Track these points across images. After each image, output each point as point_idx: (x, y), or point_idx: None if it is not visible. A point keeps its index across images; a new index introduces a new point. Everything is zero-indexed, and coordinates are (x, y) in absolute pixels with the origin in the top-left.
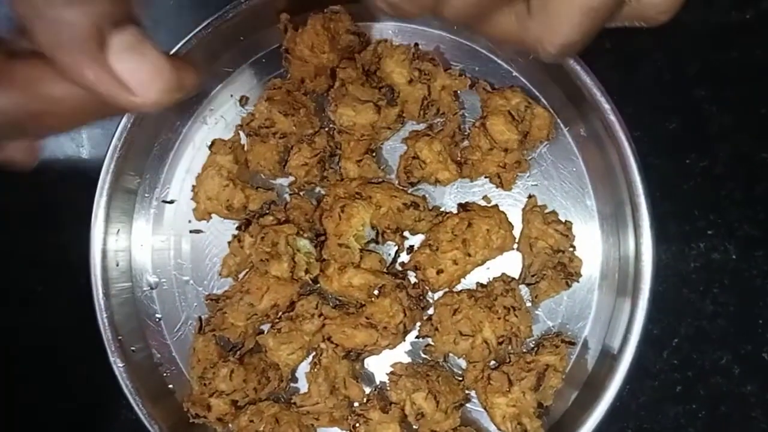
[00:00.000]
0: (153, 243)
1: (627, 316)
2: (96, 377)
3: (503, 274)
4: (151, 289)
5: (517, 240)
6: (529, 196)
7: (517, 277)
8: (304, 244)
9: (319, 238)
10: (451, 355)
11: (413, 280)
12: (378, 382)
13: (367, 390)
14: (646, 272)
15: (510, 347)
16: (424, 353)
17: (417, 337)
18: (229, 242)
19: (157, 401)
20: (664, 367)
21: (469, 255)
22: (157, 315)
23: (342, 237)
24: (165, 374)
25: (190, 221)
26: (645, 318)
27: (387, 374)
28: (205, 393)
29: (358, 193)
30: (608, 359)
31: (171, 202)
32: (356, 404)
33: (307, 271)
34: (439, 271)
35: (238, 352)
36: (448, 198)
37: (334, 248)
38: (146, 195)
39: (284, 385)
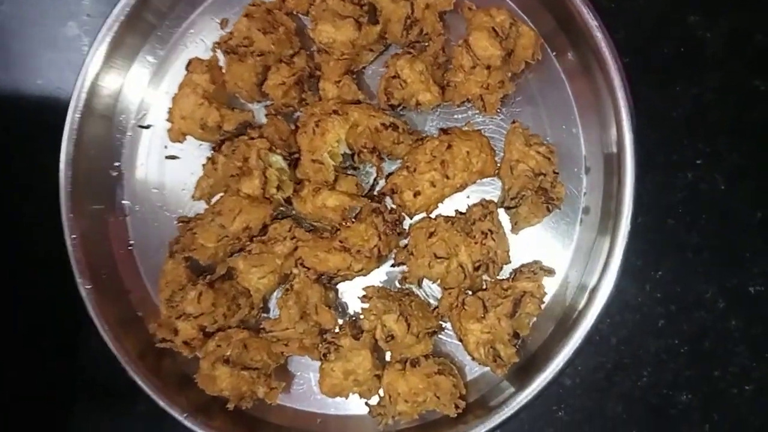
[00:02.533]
0: (128, 169)
1: (607, 246)
2: (65, 305)
3: (482, 199)
4: (125, 216)
5: (498, 166)
6: (513, 122)
7: (496, 201)
8: (276, 159)
9: (293, 155)
10: (426, 287)
11: (390, 207)
12: (352, 313)
13: (341, 322)
14: (627, 200)
15: (487, 274)
16: (400, 283)
17: (392, 265)
18: (204, 165)
19: (125, 328)
20: (646, 301)
21: (448, 177)
22: (130, 242)
23: (316, 153)
24: (134, 302)
25: (166, 147)
26: (625, 248)
27: (359, 297)
28: (173, 316)
29: (334, 111)
30: (587, 292)
31: (147, 127)
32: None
33: (279, 188)
34: (416, 194)
35: (209, 277)
36: (430, 125)
37: (307, 165)
38: (122, 119)
39: (255, 314)
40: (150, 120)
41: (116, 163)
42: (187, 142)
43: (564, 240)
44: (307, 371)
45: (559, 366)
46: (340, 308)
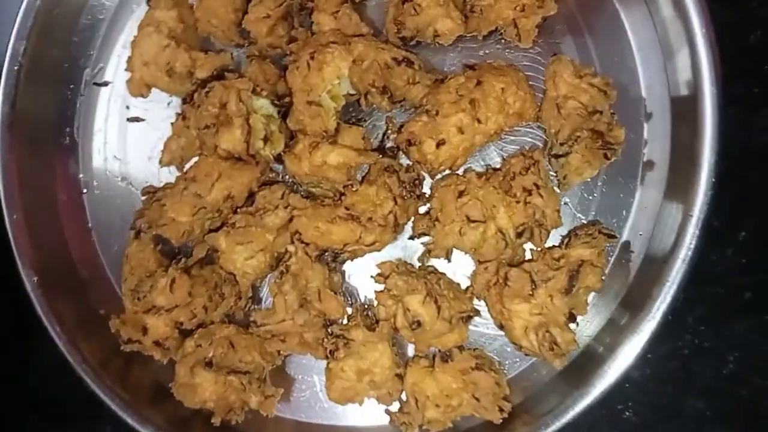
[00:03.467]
0: (83, 136)
1: (680, 207)
2: (8, 303)
3: (522, 147)
4: (80, 192)
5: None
6: (553, 55)
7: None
8: (262, 104)
9: (283, 100)
10: (452, 265)
11: (407, 163)
12: (363, 299)
13: (349, 311)
14: (705, 153)
15: (532, 241)
16: (421, 260)
17: (411, 237)
18: (173, 123)
19: (83, 329)
20: (729, 270)
21: (479, 121)
22: (88, 224)
23: (312, 93)
24: (95, 297)
25: (128, 107)
26: (705, 206)
27: (373, 276)
28: (140, 310)
29: (333, 41)
30: (656, 263)
31: (105, 84)
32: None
33: (266, 140)
34: (440, 143)
35: (184, 261)
36: (450, 65)
37: (302, 109)
38: (73, 76)
39: (243, 305)
40: (108, 76)
41: (67, 129)
42: (153, 99)
43: (623, 199)
44: (310, 374)
45: (628, 357)
46: (349, 294)
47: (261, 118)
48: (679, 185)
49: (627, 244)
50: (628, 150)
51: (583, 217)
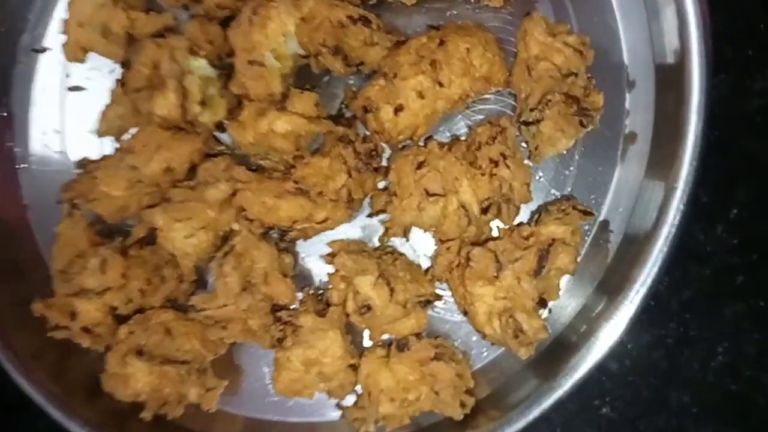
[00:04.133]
0: (19, 106)
1: (664, 179)
2: None
3: (489, 115)
4: (15, 167)
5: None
6: (527, 14)
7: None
8: (199, 64)
9: (224, 62)
10: (416, 243)
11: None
12: (318, 283)
13: (301, 296)
14: (691, 125)
15: (499, 217)
16: (381, 241)
17: (369, 215)
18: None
19: (14, 317)
20: (719, 250)
21: (441, 84)
22: (23, 202)
23: (254, 51)
24: (29, 284)
25: (68, 75)
26: (691, 177)
27: (323, 257)
28: (69, 293)
29: None
30: (636, 242)
31: (43, 50)
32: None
33: (204, 104)
34: (398, 109)
35: (119, 240)
36: (416, 27)
37: (244, 69)
38: (9, 42)
39: (186, 289)
40: (47, 42)
41: (3, 99)
42: (96, 66)
43: (602, 173)
44: (260, 364)
45: (604, 346)
46: (303, 278)
47: (197, 81)
48: (663, 158)
49: (606, 222)
50: (608, 120)
51: (558, 194)
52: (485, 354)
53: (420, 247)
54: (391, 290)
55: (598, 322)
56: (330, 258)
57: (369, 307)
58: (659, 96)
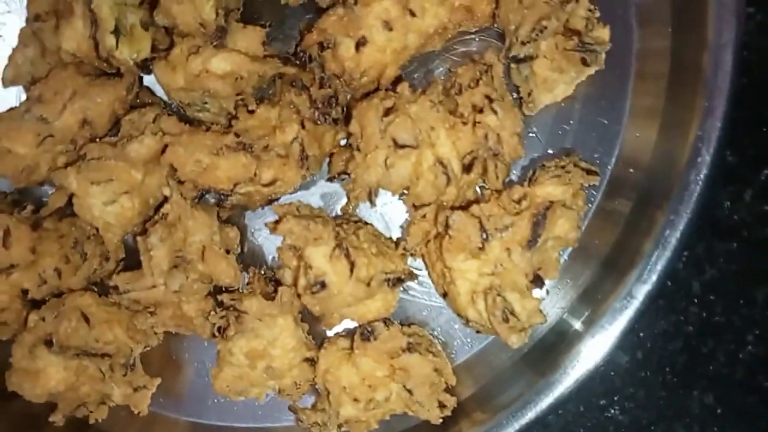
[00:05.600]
0: None
1: (684, 133)
2: None
3: (473, 55)
4: None
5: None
6: None
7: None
8: None
9: None
10: (386, 210)
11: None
12: (270, 261)
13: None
14: (718, 56)
15: (484, 177)
16: (344, 210)
17: (329, 179)
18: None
19: None
20: (747, 219)
21: (412, 14)
22: None
23: None
24: None
25: None
26: (718, 131)
27: (267, 225)
28: None
29: None
30: (650, 210)
31: None
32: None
33: (117, 33)
34: (360, 44)
35: (29, 208)
36: None
37: None
38: None
39: (113, 268)
40: None
41: None
42: (13, 9)
43: (608, 128)
44: (201, 359)
45: (612, 335)
46: (253, 256)
47: (109, 2)
48: (682, 109)
49: (612, 186)
50: (615, 63)
51: (551, 150)
52: (469, 345)
53: (393, 216)
54: (352, 264)
55: (605, 307)
56: (274, 225)
57: (323, 285)
58: (677, 34)
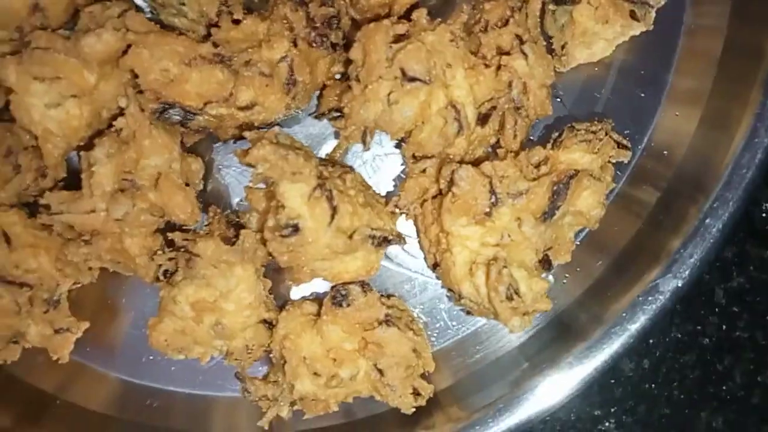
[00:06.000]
0: None
1: (734, 112)
2: None
3: None
4: None
5: None
6: None
7: None
8: None
9: None
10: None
11: None
12: (236, 205)
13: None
14: None
15: (501, 134)
16: (331, 156)
17: (317, 115)
18: None
19: None
20: None
21: None
22: None
23: None
24: None
25: None
26: None
27: (236, 150)
28: None
29: None
30: (682, 201)
31: None
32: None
33: None
34: None
35: None
36: None
37: None
38: None
39: (49, 186)
40: None
41: None
42: None
43: (645, 101)
44: (140, 307)
45: (620, 337)
46: (216, 198)
47: None
48: (735, 89)
49: (641, 168)
50: (662, 30)
51: (585, 110)
52: (454, 330)
53: (385, 172)
54: (333, 209)
55: (616, 305)
56: (244, 152)
57: (296, 228)
58: (736, 14)
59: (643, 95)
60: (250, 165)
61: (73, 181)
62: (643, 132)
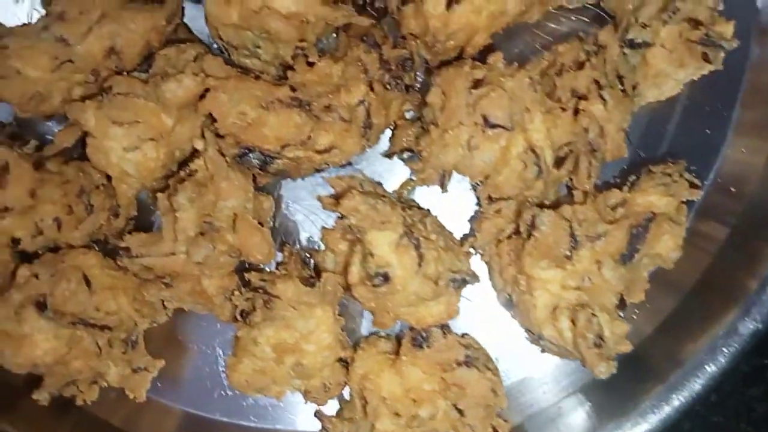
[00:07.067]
0: None
1: None
2: None
3: (579, 33)
4: None
5: None
6: None
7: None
8: None
9: None
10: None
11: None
12: (306, 242)
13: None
14: None
15: (574, 174)
16: (398, 193)
17: (387, 154)
18: None
19: None
20: None
21: None
22: None
23: None
24: None
25: None
26: None
27: (320, 197)
28: None
29: None
30: (752, 238)
31: None
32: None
33: None
34: (453, 2)
35: (32, 143)
36: None
37: None
38: None
39: (122, 226)
40: None
41: None
42: None
43: (710, 138)
44: (211, 343)
45: (700, 379)
46: (285, 232)
47: None
48: None
49: (708, 205)
50: (727, 65)
51: (642, 154)
52: (520, 367)
53: (449, 206)
54: (420, 257)
55: (690, 345)
56: (331, 201)
57: (386, 277)
58: None
59: (708, 131)
60: (334, 210)
61: (140, 217)
62: (709, 167)
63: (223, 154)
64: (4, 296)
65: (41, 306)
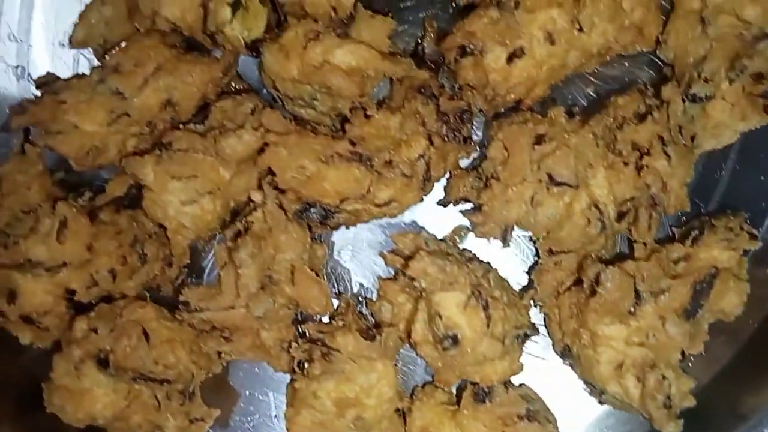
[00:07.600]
0: None
1: None
2: None
3: (638, 84)
4: None
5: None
6: None
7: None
8: None
9: None
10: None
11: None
12: (358, 289)
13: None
14: None
15: (635, 226)
16: (450, 240)
17: (443, 203)
18: None
19: None
20: None
21: (581, 28)
22: None
23: None
24: None
25: None
26: None
27: (384, 255)
28: (7, 263)
29: None
30: None
31: None
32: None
33: (235, 4)
34: (516, 55)
35: (87, 194)
36: None
37: None
38: None
39: (175, 276)
40: None
41: None
42: None
43: (766, 182)
44: (264, 391)
45: None
46: (337, 279)
47: None
48: None
49: (764, 252)
50: None
51: (701, 205)
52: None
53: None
54: (488, 318)
55: (751, 398)
56: (397, 259)
57: (455, 340)
58: None
59: (762, 178)
60: (400, 270)
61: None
62: (764, 214)
63: (283, 208)
64: (63, 352)
65: (102, 362)
